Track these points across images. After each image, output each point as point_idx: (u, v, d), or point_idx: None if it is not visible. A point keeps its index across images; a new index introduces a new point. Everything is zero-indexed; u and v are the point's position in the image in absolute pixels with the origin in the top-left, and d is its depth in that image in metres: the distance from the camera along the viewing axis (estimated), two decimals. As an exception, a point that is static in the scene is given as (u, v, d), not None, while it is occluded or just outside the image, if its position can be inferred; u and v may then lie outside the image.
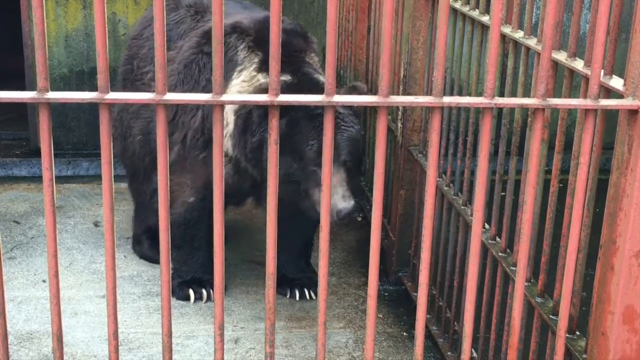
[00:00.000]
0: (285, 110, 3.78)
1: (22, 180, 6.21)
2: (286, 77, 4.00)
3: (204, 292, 4.47)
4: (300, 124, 3.89)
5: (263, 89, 3.80)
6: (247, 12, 4.68)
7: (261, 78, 4.11)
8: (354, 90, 4.01)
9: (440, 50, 2.18)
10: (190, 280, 4.51)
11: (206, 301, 4.46)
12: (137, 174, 4.91)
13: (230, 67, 4.17)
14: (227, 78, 4.14)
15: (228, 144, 4.12)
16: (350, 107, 4.01)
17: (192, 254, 4.50)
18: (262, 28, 4.20)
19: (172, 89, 4.27)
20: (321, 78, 4.14)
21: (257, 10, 4.92)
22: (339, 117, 3.94)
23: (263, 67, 4.12)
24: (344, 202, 3.84)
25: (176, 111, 4.29)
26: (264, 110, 3.84)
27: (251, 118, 3.97)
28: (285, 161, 3.84)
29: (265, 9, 5.39)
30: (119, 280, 4.56)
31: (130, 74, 4.77)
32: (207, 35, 4.34)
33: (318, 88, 3.94)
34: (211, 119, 4.10)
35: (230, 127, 4.10)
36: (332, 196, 3.72)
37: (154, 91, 2.17)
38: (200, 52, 4.32)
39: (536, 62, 2.91)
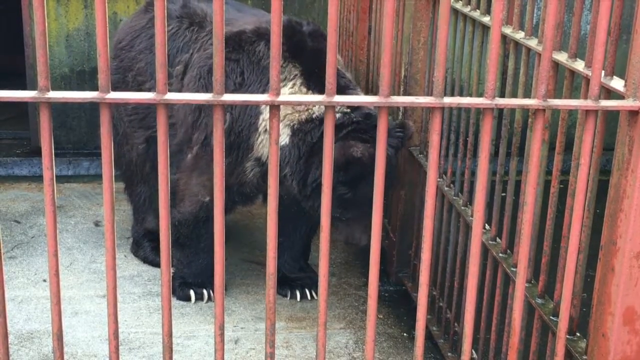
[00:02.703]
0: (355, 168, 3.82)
1: (23, 180, 6.21)
2: (341, 108, 3.92)
3: (205, 292, 4.47)
4: (367, 178, 3.76)
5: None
6: (248, 13, 4.64)
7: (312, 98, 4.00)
8: (403, 127, 4.03)
9: (441, 51, 2.18)
10: (192, 282, 4.51)
11: (207, 301, 4.46)
12: (134, 179, 4.93)
13: (268, 77, 4.06)
14: (264, 85, 4.05)
15: (264, 150, 4.06)
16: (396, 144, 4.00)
17: (197, 254, 4.48)
18: (292, 35, 4.11)
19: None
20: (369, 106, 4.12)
21: (257, 12, 4.89)
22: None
23: (311, 83, 4.03)
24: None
25: (199, 114, 4.24)
26: (339, 159, 3.79)
27: (316, 150, 3.90)
28: (354, 205, 3.94)
29: (260, 8, 5.40)
30: (119, 280, 4.56)
31: (124, 85, 4.71)
32: (226, 42, 4.23)
33: (369, 120, 3.92)
34: (242, 122, 4.11)
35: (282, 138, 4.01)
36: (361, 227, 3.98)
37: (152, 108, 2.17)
38: (226, 58, 4.16)
39: (537, 63, 2.91)
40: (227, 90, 4.06)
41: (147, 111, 4.59)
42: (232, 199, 4.23)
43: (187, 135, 4.29)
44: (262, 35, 4.17)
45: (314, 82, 4.02)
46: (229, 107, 4.06)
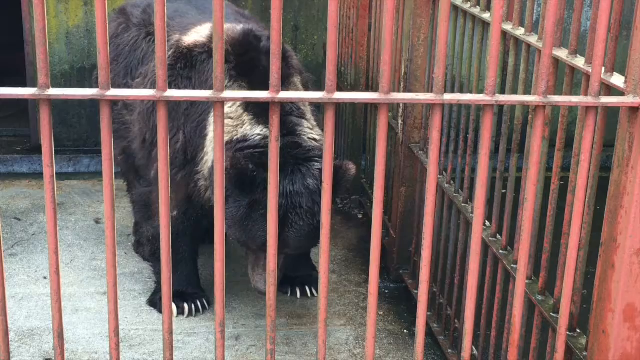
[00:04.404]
0: (248, 192, 3.70)
1: (23, 177, 6.21)
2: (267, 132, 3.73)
3: (186, 306, 4.31)
4: (260, 209, 3.71)
5: (246, 146, 3.75)
6: (210, 13, 4.56)
7: (246, 120, 3.90)
8: (338, 169, 3.78)
9: (441, 48, 2.18)
10: (173, 293, 4.39)
11: (187, 316, 4.30)
12: (128, 185, 4.99)
13: None
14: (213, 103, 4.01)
15: (205, 169, 4.01)
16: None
17: (175, 267, 4.32)
18: (244, 52, 4.00)
19: (150, 112, 4.18)
20: (305, 139, 3.89)
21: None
22: (296, 212, 3.74)
23: (250, 105, 3.89)
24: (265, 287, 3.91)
25: (155, 132, 4.19)
26: (237, 180, 3.68)
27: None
28: (240, 236, 3.84)
29: (259, 6, 5.39)
30: (119, 277, 4.57)
31: None
32: (179, 56, 4.16)
33: (296, 154, 3.78)
34: (193, 142, 4.06)
35: (210, 160, 3.96)
36: (259, 274, 3.86)
37: (123, 120, 2.17)
38: (179, 75, 4.13)
39: (537, 60, 2.91)
40: (180, 107, 4.02)
41: (121, 122, 4.54)
42: (199, 214, 4.21)
43: (147, 151, 4.27)
44: (212, 49, 4.09)
45: (253, 105, 3.88)
46: (182, 126, 4.04)
